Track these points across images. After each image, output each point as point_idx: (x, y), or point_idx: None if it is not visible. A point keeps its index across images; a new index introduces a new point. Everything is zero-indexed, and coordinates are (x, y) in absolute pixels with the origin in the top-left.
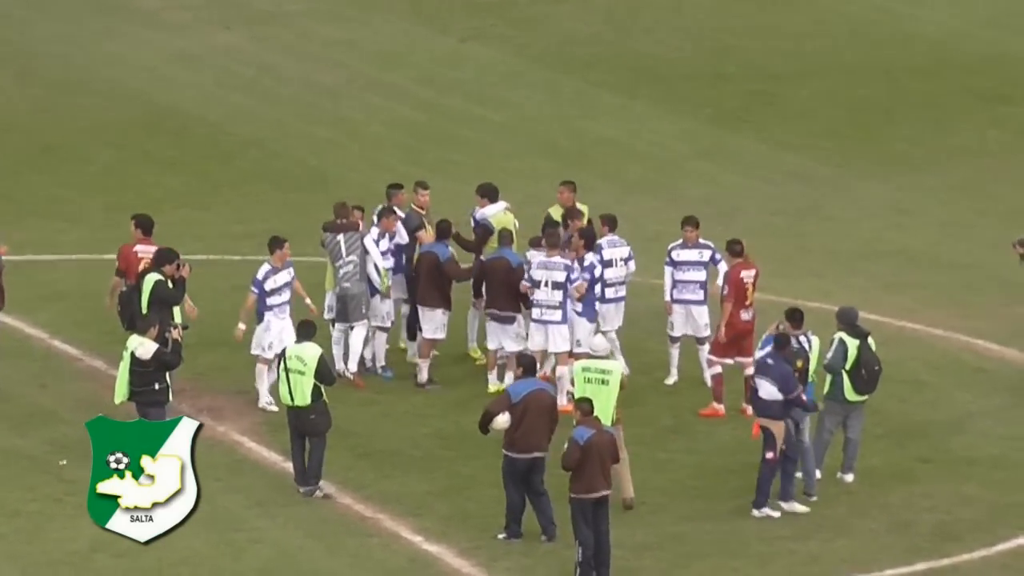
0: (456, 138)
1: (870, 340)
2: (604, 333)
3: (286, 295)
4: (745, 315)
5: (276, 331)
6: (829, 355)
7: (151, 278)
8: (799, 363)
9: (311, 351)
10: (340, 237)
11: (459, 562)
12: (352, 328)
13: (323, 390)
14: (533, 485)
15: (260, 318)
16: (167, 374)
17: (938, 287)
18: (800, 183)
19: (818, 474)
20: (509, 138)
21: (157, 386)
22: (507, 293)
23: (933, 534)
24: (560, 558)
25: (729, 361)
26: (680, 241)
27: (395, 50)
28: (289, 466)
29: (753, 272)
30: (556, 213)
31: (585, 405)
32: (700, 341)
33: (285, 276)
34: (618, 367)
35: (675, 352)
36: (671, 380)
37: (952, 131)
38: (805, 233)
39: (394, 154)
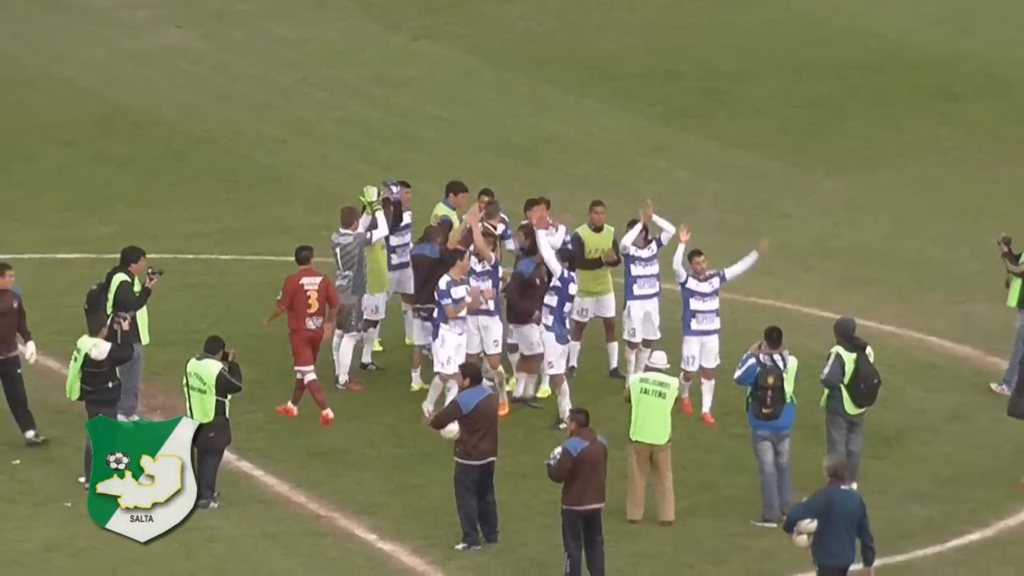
0: (409, 136)
1: (868, 351)
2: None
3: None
4: (311, 323)
5: (452, 345)
6: (826, 370)
7: (117, 278)
8: (770, 379)
9: (210, 368)
10: (337, 249)
11: (413, 560)
12: (343, 337)
13: (227, 407)
14: (484, 490)
15: (435, 333)
16: (117, 371)
17: (890, 284)
18: (752, 180)
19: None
20: (461, 136)
21: (110, 384)
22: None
23: (886, 531)
24: (514, 555)
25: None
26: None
27: (347, 48)
28: (243, 464)
29: (318, 280)
30: (584, 232)
31: (580, 416)
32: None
33: (461, 291)
34: (676, 382)
35: (633, 356)
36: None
37: (903, 128)
38: (757, 230)
39: (347, 152)
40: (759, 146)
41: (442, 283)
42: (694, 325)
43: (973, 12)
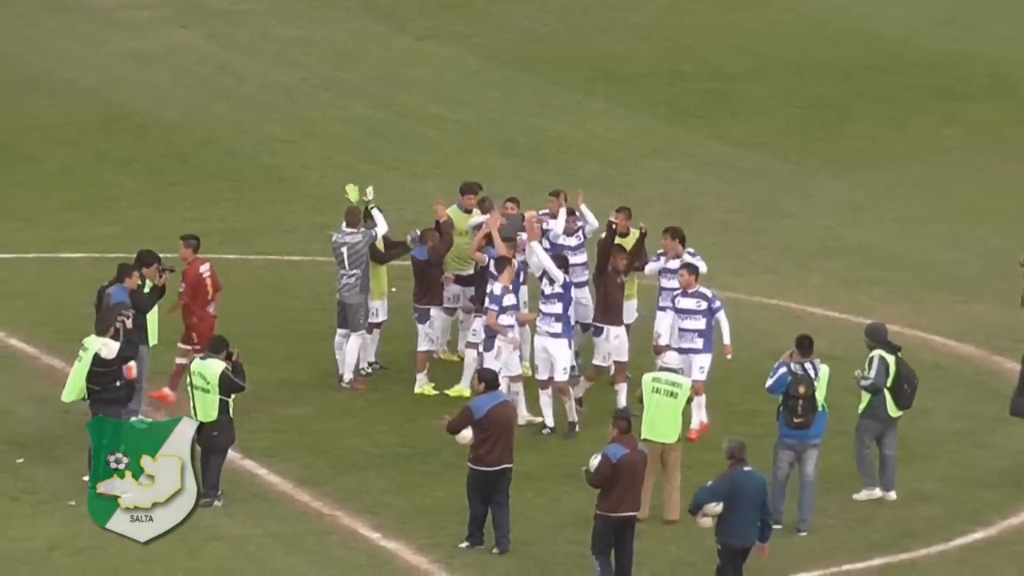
0: (413, 136)
1: (900, 354)
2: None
3: (511, 319)
4: (211, 309)
5: (504, 357)
6: (872, 375)
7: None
8: (801, 389)
9: (213, 368)
10: (344, 248)
11: (417, 558)
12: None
13: (230, 406)
14: (497, 496)
15: (489, 344)
16: (123, 370)
17: (894, 284)
18: (756, 180)
19: (879, 492)
20: (466, 136)
21: (118, 383)
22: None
23: (890, 530)
24: (518, 555)
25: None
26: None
27: (351, 48)
28: (247, 463)
29: (208, 266)
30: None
31: (623, 422)
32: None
33: (511, 299)
34: (688, 382)
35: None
36: None
37: (907, 129)
38: (761, 230)
39: (351, 152)
40: (763, 146)
41: (497, 288)
42: (680, 342)
43: (977, 12)
